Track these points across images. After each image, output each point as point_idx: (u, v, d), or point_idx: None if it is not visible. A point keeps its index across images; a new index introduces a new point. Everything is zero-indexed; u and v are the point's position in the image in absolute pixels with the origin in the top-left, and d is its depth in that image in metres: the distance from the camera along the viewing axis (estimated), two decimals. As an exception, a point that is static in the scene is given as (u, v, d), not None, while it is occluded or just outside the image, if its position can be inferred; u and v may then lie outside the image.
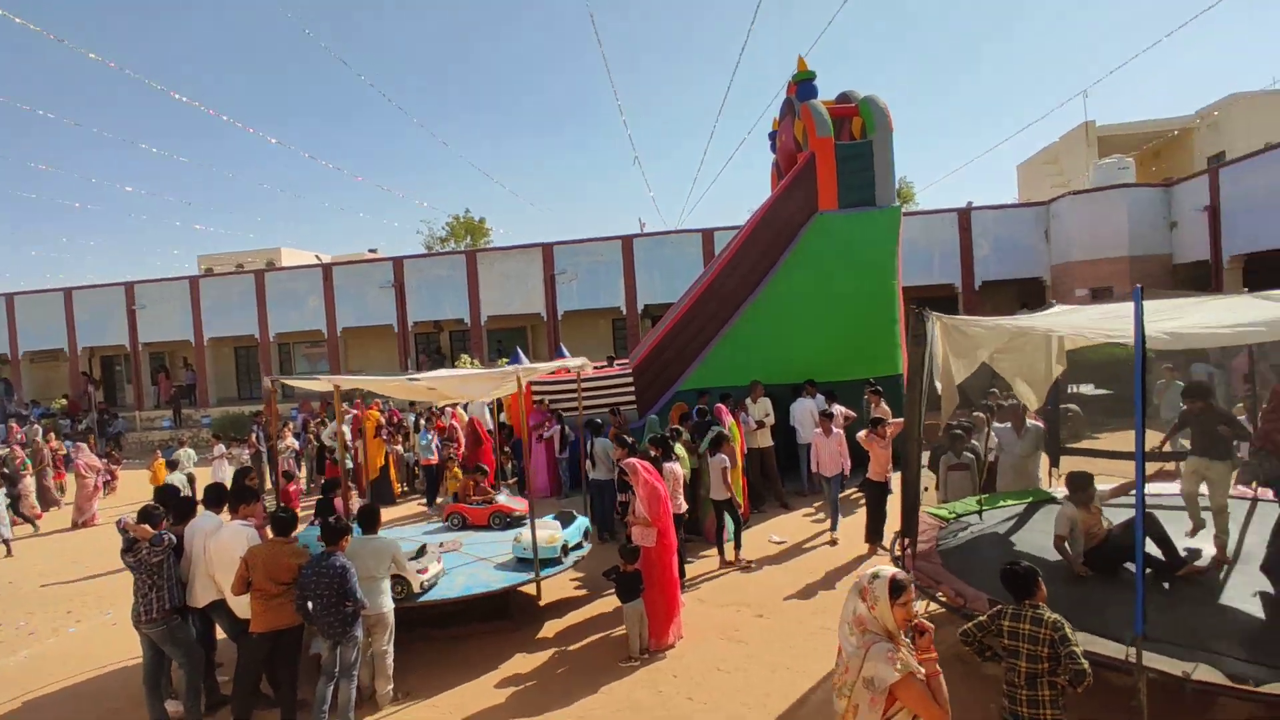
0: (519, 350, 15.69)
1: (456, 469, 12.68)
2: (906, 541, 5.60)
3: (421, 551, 6.56)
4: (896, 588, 3.02)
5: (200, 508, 6.21)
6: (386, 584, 5.77)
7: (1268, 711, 4.37)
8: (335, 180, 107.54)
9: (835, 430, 9.60)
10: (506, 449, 12.49)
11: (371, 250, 37.73)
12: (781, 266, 13.45)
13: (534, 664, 6.42)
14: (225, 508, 6.29)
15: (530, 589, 7.11)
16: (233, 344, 28.50)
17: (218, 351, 28.20)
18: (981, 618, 3.93)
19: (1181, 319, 4.77)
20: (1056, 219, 22.41)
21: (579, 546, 7.63)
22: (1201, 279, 19.60)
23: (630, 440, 8.01)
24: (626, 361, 15.01)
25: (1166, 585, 5.37)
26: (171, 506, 6.18)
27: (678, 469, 7.79)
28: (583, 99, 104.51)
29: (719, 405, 10.28)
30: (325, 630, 5.17)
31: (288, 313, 26.30)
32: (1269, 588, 5.08)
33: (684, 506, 7.89)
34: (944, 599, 5.18)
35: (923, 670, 3.01)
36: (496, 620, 7.13)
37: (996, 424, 9.02)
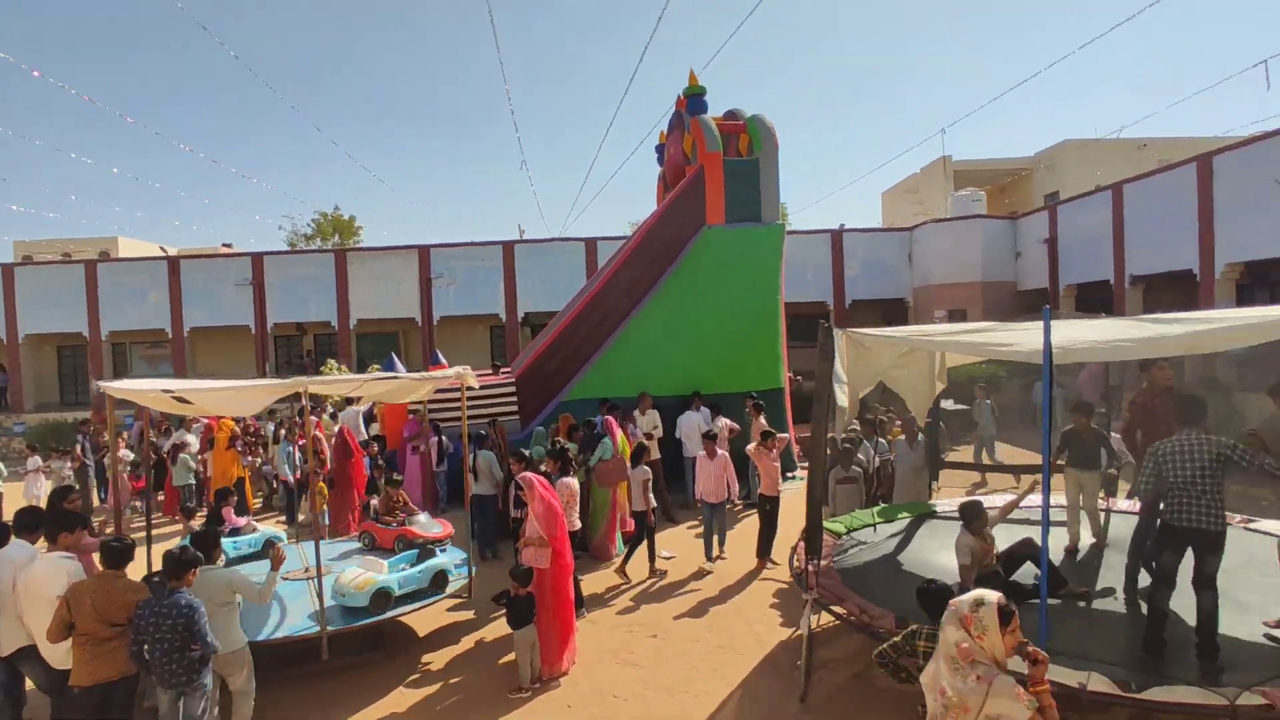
0: (393, 356, 14.78)
1: (322, 484, 11.72)
2: (811, 559, 5.55)
3: None
4: (1005, 614, 2.82)
5: (10, 535, 5.23)
6: (235, 615, 5.04)
7: (1144, 714, 4.58)
8: (187, 167, 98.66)
9: (719, 453, 8.91)
10: (380, 462, 11.67)
11: (225, 245, 34.93)
12: (668, 278, 13.42)
13: (414, 699, 5.87)
14: (42, 535, 5.32)
15: (409, 617, 6.55)
16: (56, 342, 25.35)
17: (37, 350, 25.00)
18: (896, 638, 3.86)
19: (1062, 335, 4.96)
20: (918, 244, 23.90)
21: (421, 595, 6.49)
22: (1041, 305, 21.41)
23: (527, 454, 7.62)
24: (509, 370, 14.51)
25: (1053, 601, 5.61)
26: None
27: (574, 484, 7.46)
28: (465, 106, 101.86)
29: (607, 418, 10.04)
30: (166, 680, 4.39)
31: (125, 309, 23.73)
32: (1140, 600, 5.40)
33: (578, 524, 7.56)
34: (850, 616, 5.15)
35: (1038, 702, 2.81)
36: (368, 653, 6.50)
37: (885, 439, 9.31)
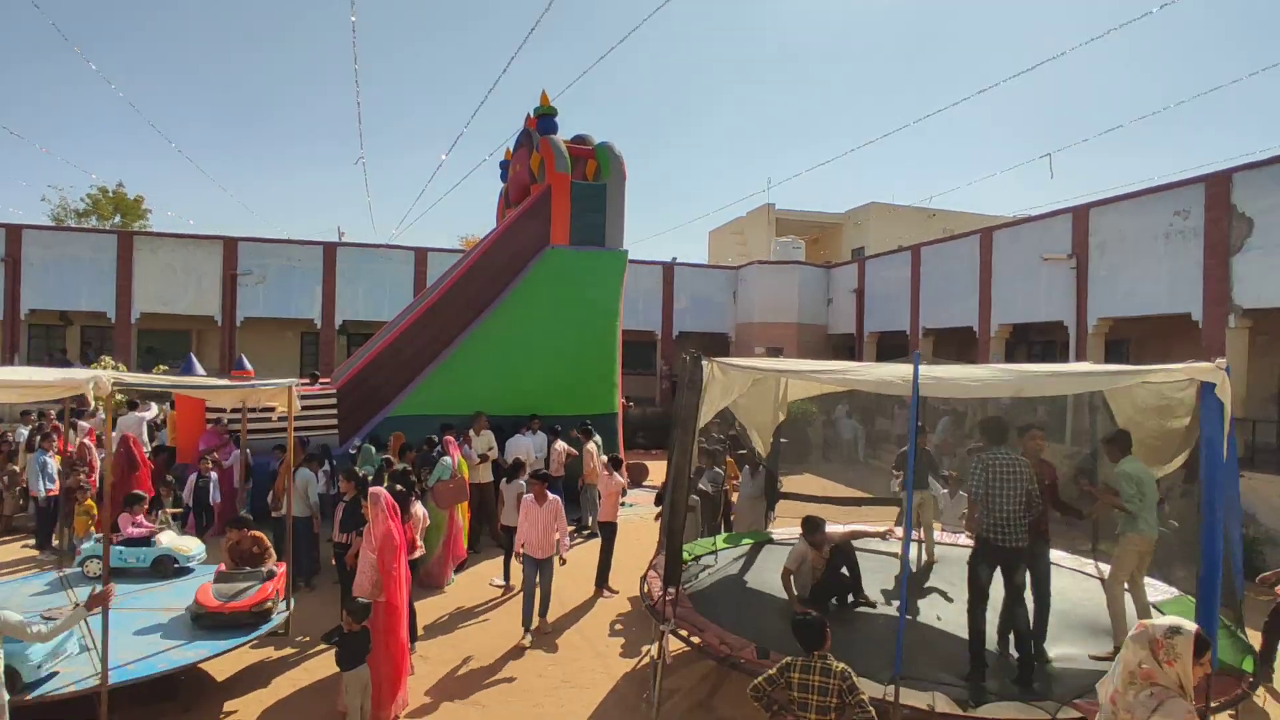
0: (192, 357, 13.10)
1: (90, 502, 10.03)
2: (668, 588, 5.49)
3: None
4: (1201, 646, 2.75)
5: None
6: (-6, 667, 4.08)
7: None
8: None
9: (550, 497, 7.26)
10: (169, 478, 10.21)
11: (-32, 213, 29.53)
12: (509, 295, 13.13)
13: (214, 757, 5.08)
14: None
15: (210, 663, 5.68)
16: None
17: None
18: (771, 671, 3.88)
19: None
20: (743, 283, 25.28)
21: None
22: (848, 349, 23.42)
23: (362, 475, 6.97)
24: (329, 381, 13.38)
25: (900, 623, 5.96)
26: None
27: (420, 511, 6.91)
28: (297, 97, 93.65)
29: (447, 437, 9.51)
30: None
31: None
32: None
33: (422, 550, 7.01)
34: (708, 646, 5.14)
35: None
36: (158, 704, 5.55)
37: (720, 468, 9.53)
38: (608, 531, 8.71)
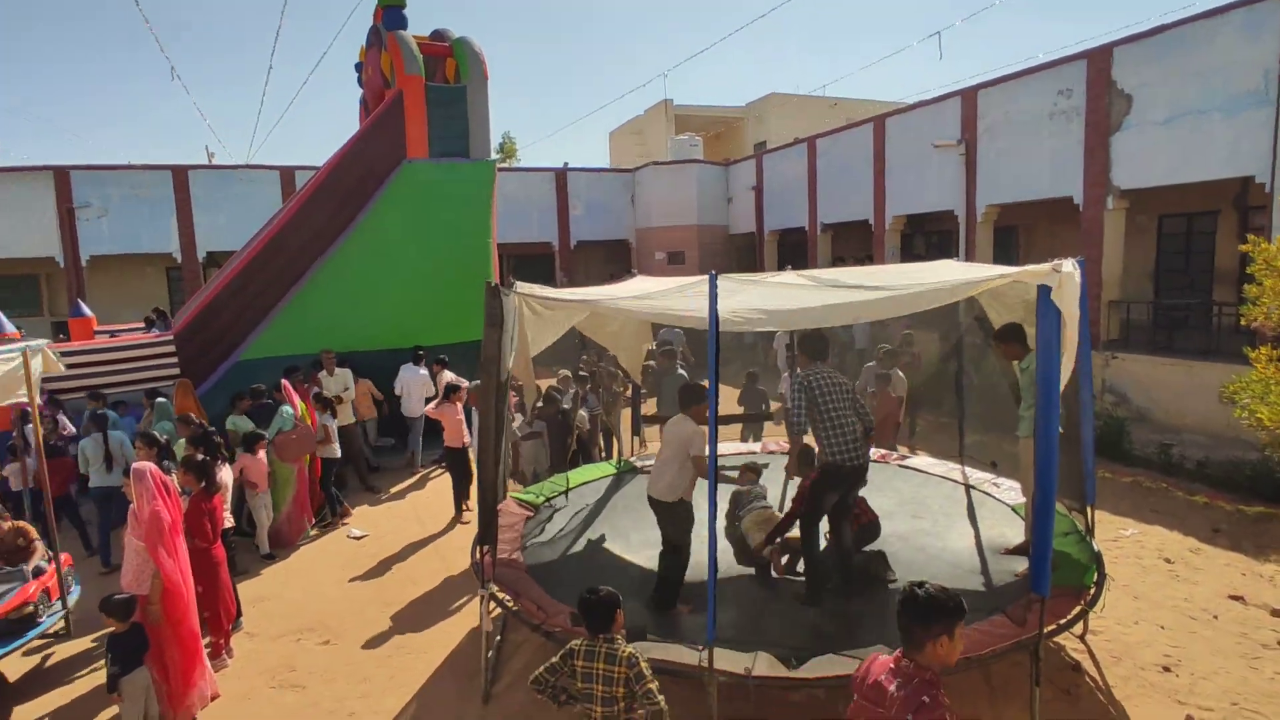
0: (-1, 312, 11.56)
1: None
2: (485, 549, 4.95)
3: None
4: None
5: None
6: None
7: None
8: None
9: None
10: None
11: None
12: (365, 217, 11.92)
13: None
14: None
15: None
16: None
17: None
18: (553, 659, 3.41)
19: (738, 297, 4.74)
20: (640, 186, 24.23)
21: None
22: (749, 249, 22.93)
23: (162, 438, 6.12)
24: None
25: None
26: None
27: (227, 477, 6.15)
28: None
29: (283, 382, 8.62)
30: None
31: None
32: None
33: (230, 523, 6.27)
34: (525, 614, 4.65)
35: None
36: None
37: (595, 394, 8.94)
38: (459, 458, 8.27)
